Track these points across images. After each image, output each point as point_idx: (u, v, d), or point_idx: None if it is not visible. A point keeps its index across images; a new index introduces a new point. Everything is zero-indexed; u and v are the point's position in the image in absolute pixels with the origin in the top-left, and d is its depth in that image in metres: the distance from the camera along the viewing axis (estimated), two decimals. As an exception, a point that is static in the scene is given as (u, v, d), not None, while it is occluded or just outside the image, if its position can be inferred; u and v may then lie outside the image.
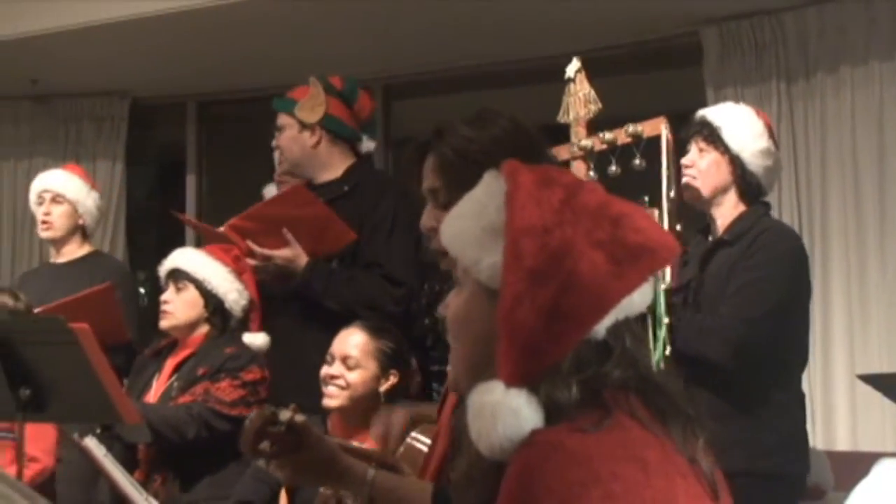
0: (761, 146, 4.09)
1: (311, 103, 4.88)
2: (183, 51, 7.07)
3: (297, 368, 4.51)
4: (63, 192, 5.66)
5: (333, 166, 4.89)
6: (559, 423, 1.61)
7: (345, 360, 4.11)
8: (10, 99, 8.08)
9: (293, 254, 4.67)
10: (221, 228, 4.87)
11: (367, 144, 5.02)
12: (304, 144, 4.89)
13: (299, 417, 2.29)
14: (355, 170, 4.89)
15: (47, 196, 5.68)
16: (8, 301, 4.75)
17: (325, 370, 4.11)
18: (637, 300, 1.71)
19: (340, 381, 4.08)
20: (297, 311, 4.72)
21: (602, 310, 1.64)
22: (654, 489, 1.56)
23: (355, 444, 2.70)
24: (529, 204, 1.69)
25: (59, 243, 5.73)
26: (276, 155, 5.02)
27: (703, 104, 5.05)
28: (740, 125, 4.09)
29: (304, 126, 4.88)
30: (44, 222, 5.69)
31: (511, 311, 1.63)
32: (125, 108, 8.02)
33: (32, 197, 5.79)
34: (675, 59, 6.92)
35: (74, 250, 5.71)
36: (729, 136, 4.06)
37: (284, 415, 2.27)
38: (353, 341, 4.15)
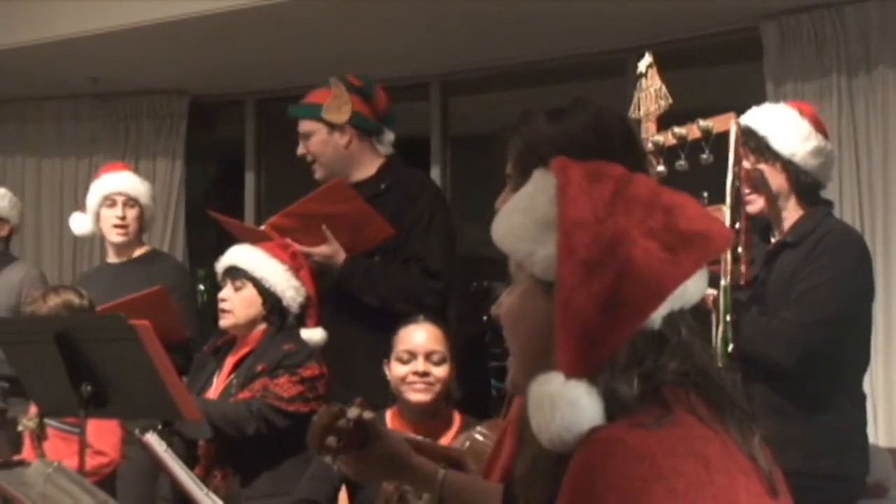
0: (811, 147, 4.03)
1: (337, 103, 4.88)
2: (241, 48, 7.10)
3: (339, 364, 4.53)
4: (137, 197, 5.69)
5: (365, 164, 4.92)
6: (619, 419, 1.61)
7: (429, 355, 4.12)
8: (70, 97, 8.16)
9: (332, 250, 4.70)
10: (262, 227, 4.89)
11: (388, 136, 5.03)
12: (336, 145, 4.90)
13: (367, 414, 2.29)
14: (390, 168, 4.93)
15: (120, 199, 5.68)
16: (74, 299, 4.79)
17: (409, 368, 4.12)
18: (692, 290, 1.71)
19: (430, 378, 4.09)
20: (337, 307, 4.73)
21: (658, 297, 1.64)
22: (716, 486, 1.56)
23: (419, 437, 2.69)
24: (581, 196, 1.70)
25: (123, 245, 5.75)
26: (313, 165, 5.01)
27: (763, 99, 5.01)
28: (787, 131, 4.02)
29: (333, 127, 4.89)
30: (119, 226, 5.69)
31: (567, 301, 1.64)
32: (184, 105, 8.08)
33: (96, 198, 5.76)
34: (734, 54, 6.88)
35: (133, 250, 5.74)
36: (777, 145, 4.00)
37: (352, 411, 2.28)
38: (433, 335, 4.17)
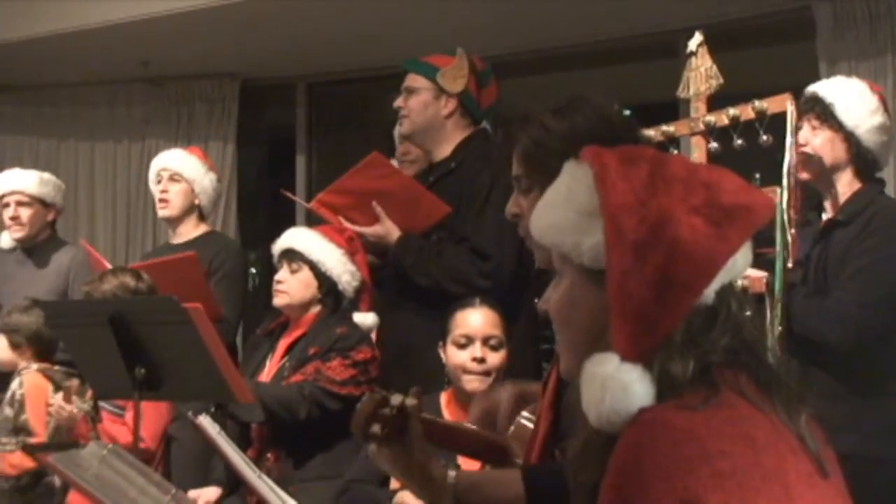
0: (876, 122, 4.01)
1: (455, 73, 4.82)
2: (292, 32, 7.12)
3: (396, 347, 4.52)
4: (180, 171, 5.72)
5: (451, 142, 4.80)
6: (668, 399, 1.61)
7: (487, 340, 4.09)
8: (123, 82, 8.21)
9: (384, 230, 4.65)
10: (310, 204, 4.88)
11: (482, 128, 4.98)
12: (437, 111, 4.81)
13: (410, 401, 2.29)
14: (463, 146, 4.84)
15: (165, 175, 5.75)
16: (130, 281, 4.81)
17: (467, 354, 4.07)
18: (740, 262, 1.71)
19: (487, 366, 4.07)
20: (392, 288, 4.73)
21: (709, 274, 1.65)
22: (764, 467, 1.56)
23: (465, 425, 2.69)
24: (619, 181, 1.70)
25: (175, 222, 5.79)
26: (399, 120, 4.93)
27: (816, 79, 4.96)
28: (854, 101, 4.01)
29: (441, 92, 4.84)
30: (161, 200, 5.77)
31: (621, 285, 1.64)
32: (236, 89, 8.11)
33: (152, 175, 5.87)
34: (786, 35, 6.82)
35: (190, 230, 5.77)
36: (843, 113, 3.98)
37: (395, 398, 2.28)
38: (490, 319, 4.13)
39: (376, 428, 2.28)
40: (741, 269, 1.73)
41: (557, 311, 1.83)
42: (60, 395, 4.92)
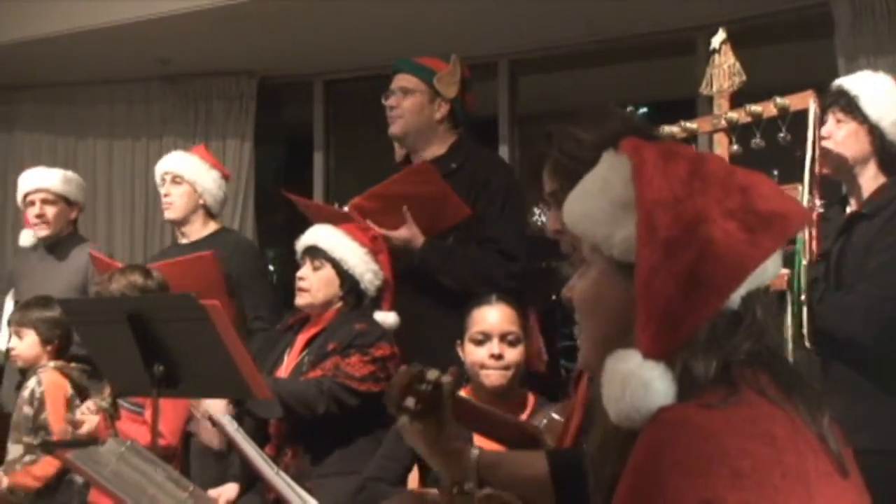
0: None
1: (450, 79, 4.88)
2: (309, 29, 7.12)
3: (416, 347, 4.52)
4: (181, 173, 5.73)
5: (440, 143, 4.92)
6: (688, 398, 1.61)
7: (504, 336, 4.10)
8: (140, 80, 8.22)
9: (410, 234, 4.70)
10: (345, 208, 4.89)
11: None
12: (430, 115, 4.89)
13: (446, 378, 2.30)
14: (460, 147, 4.90)
15: (168, 178, 5.77)
16: (138, 279, 4.81)
17: (485, 350, 4.09)
18: (770, 269, 1.71)
19: (505, 362, 4.08)
20: (415, 289, 4.74)
21: (738, 277, 1.64)
22: (784, 465, 1.55)
23: (499, 412, 2.69)
24: (657, 176, 1.70)
25: (181, 224, 5.81)
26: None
27: (835, 76, 4.94)
28: (879, 94, 4.00)
29: (436, 96, 4.87)
30: (165, 203, 5.79)
31: (648, 281, 1.64)
32: (253, 87, 8.11)
33: (157, 180, 5.90)
34: (804, 31, 6.80)
35: (198, 230, 5.78)
36: (867, 105, 3.97)
37: (432, 374, 2.29)
38: (507, 316, 4.15)
39: (410, 401, 2.28)
40: (770, 277, 1.72)
41: (582, 301, 1.82)
42: (90, 403, 4.89)
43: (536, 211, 6.58)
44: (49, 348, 5.39)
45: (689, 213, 1.65)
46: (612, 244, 1.73)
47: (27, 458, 5.21)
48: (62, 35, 7.27)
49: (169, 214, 5.81)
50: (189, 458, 5.03)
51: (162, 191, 5.82)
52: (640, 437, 1.59)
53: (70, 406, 5.22)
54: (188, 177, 5.73)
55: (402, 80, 4.95)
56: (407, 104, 4.91)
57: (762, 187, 1.71)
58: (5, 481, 5.16)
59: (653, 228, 1.65)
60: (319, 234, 4.72)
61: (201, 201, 5.76)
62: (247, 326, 5.26)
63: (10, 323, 5.52)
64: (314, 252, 4.66)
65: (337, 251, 4.62)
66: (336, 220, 4.80)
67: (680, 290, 1.62)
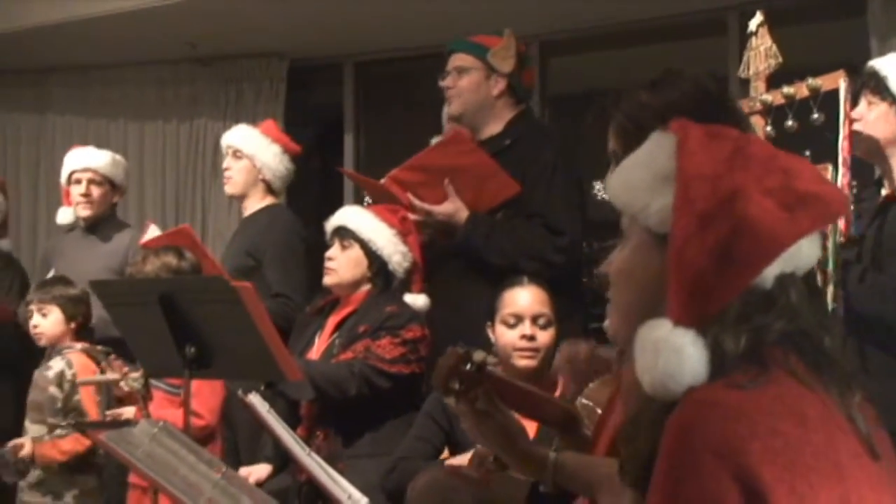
0: None
1: (505, 53, 4.83)
2: (339, 11, 7.11)
3: (458, 324, 4.51)
4: (241, 147, 5.73)
5: (498, 119, 4.85)
6: (717, 376, 1.61)
7: (536, 318, 4.09)
8: (171, 62, 8.24)
9: (454, 208, 4.66)
10: (382, 181, 4.87)
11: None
12: (488, 91, 4.83)
13: (491, 359, 2.30)
14: (515, 123, 4.84)
15: (230, 151, 5.77)
16: (172, 261, 4.83)
17: (517, 332, 4.07)
18: (806, 253, 1.70)
19: (536, 344, 4.07)
20: (459, 266, 4.71)
21: (771, 254, 1.63)
22: (815, 444, 1.55)
23: (540, 391, 2.68)
24: (700, 152, 1.70)
25: (240, 198, 5.82)
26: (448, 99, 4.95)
27: (868, 56, 4.92)
28: None
29: (492, 72, 4.84)
30: (225, 177, 5.81)
31: (681, 251, 1.64)
32: (283, 69, 8.11)
33: (223, 153, 5.91)
34: (837, 10, 6.76)
35: (255, 204, 5.77)
36: None
37: (478, 355, 2.29)
38: (539, 298, 4.12)
39: (455, 383, 2.29)
40: (806, 261, 1.71)
41: (617, 272, 1.82)
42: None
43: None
44: (72, 325, 5.37)
45: (727, 188, 1.65)
46: (648, 214, 1.73)
47: (58, 431, 5.20)
48: (93, 18, 7.29)
49: (227, 189, 5.84)
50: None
51: (224, 164, 5.83)
52: (669, 421, 1.59)
53: (100, 390, 5.23)
54: (247, 151, 5.72)
55: (457, 59, 4.90)
56: (463, 83, 4.85)
57: (804, 171, 1.71)
58: (28, 446, 5.15)
59: (689, 200, 1.65)
60: (348, 215, 4.73)
61: (260, 176, 5.75)
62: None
63: (30, 301, 5.50)
64: (343, 232, 4.66)
65: (365, 231, 4.62)
66: (382, 194, 4.79)
67: (712, 263, 1.61)
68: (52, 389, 5.23)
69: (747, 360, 1.62)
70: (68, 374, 5.24)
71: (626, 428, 1.77)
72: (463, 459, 3.72)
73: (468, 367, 2.29)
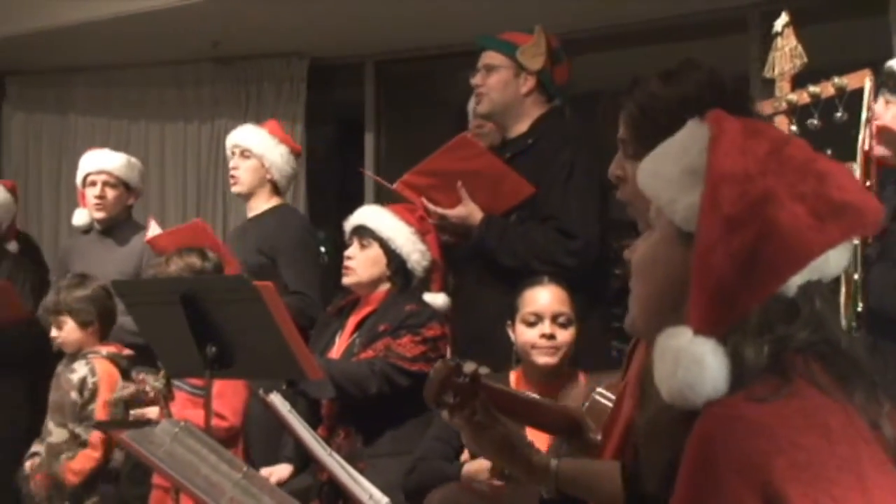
0: None
1: (535, 50, 4.80)
2: (360, 11, 7.11)
3: (476, 327, 4.51)
4: (249, 147, 5.73)
5: (527, 119, 4.82)
6: (738, 387, 1.59)
7: (556, 317, 4.10)
8: (192, 62, 8.25)
9: (467, 211, 4.64)
10: (394, 185, 4.87)
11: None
12: (517, 90, 4.81)
13: (483, 370, 2.29)
14: (540, 123, 4.81)
15: (237, 151, 5.78)
16: (196, 261, 4.84)
17: (537, 331, 4.09)
18: (833, 262, 1.67)
19: (556, 342, 4.07)
20: (476, 268, 4.70)
21: (798, 263, 1.61)
22: (839, 457, 1.53)
23: (539, 397, 2.68)
24: (734, 151, 1.67)
25: (247, 198, 5.81)
26: (474, 99, 4.93)
27: (890, 54, 4.89)
28: None
29: (521, 70, 4.81)
30: (232, 177, 5.81)
31: (705, 256, 1.62)
32: (304, 68, 8.11)
33: (227, 153, 5.91)
34: (859, 9, 6.73)
35: (261, 204, 5.77)
36: None
37: (469, 367, 2.28)
38: (559, 297, 4.14)
39: (448, 396, 2.28)
40: (833, 270, 1.69)
41: (639, 263, 1.81)
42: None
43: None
44: (91, 330, 5.33)
45: (757, 192, 1.62)
46: (675, 209, 1.72)
47: (66, 453, 5.19)
48: (115, 18, 7.30)
49: (235, 188, 5.83)
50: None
51: (231, 164, 5.83)
52: (690, 435, 1.57)
53: (118, 403, 5.21)
54: (256, 151, 5.73)
55: (486, 57, 4.88)
56: (492, 81, 4.83)
57: (841, 177, 1.67)
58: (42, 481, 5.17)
59: (716, 202, 1.63)
60: (367, 214, 4.74)
61: (268, 176, 5.76)
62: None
63: (46, 312, 5.49)
64: (361, 231, 4.67)
65: (384, 230, 4.63)
66: (400, 197, 4.80)
67: (736, 269, 1.59)
68: (74, 394, 5.22)
69: (768, 370, 1.60)
70: (90, 381, 5.21)
71: (643, 432, 1.76)
72: (482, 463, 3.74)
73: (461, 379, 2.28)
